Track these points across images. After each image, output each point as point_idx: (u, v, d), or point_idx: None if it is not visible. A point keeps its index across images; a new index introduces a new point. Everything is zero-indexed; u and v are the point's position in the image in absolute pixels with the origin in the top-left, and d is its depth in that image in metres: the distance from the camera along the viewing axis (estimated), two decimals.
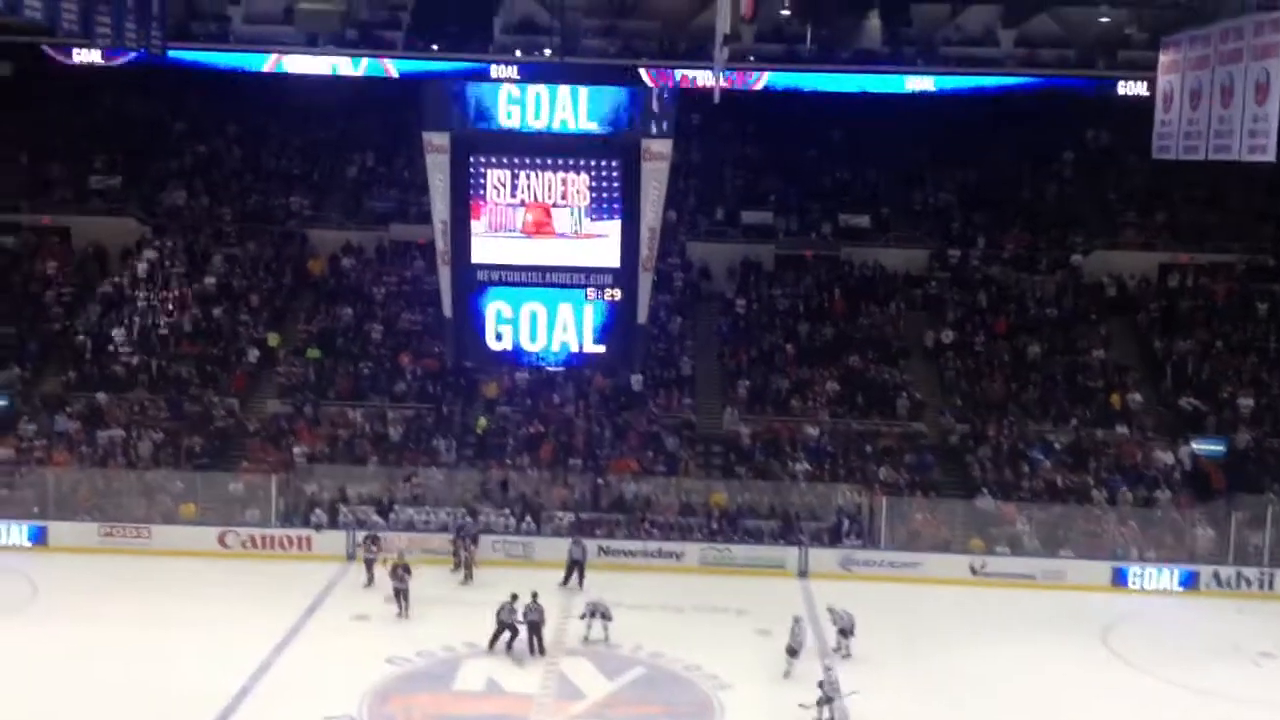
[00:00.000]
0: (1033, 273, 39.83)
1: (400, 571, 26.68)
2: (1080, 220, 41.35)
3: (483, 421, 34.40)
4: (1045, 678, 24.44)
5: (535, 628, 24.69)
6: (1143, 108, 29.03)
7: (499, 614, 24.69)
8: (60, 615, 26.09)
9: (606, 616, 25.33)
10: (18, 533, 30.82)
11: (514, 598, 24.85)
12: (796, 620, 24.53)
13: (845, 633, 24.98)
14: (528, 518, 31.46)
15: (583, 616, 25.50)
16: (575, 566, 28.93)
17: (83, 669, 22.93)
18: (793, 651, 23.92)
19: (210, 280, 38.76)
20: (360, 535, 29.87)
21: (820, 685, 21.80)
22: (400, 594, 26.57)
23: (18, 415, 34.22)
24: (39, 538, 30.81)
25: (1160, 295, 39.28)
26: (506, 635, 24.65)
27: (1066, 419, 34.89)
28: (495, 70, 34.63)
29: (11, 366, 35.62)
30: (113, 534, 30.76)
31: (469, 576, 29.17)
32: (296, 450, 33.16)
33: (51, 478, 32.04)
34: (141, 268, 39.20)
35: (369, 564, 28.59)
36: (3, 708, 21.06)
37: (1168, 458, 33.52)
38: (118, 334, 36.84)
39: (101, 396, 34.74)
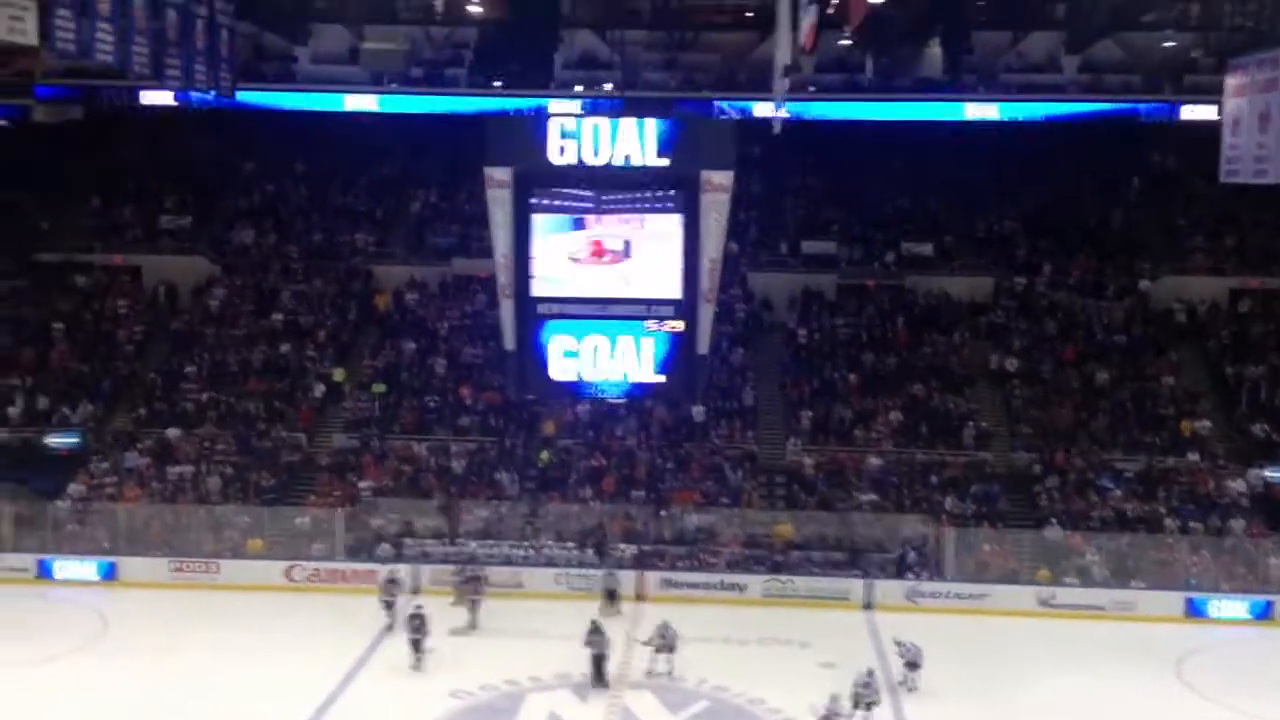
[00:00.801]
0: (1100, 299, 39.32)
1: (417, 622, 25.71)
2: (1148, 246, 40.80)
3: (545, 455, 34.50)
4: (1116, 710, 24.03)
5: (598, 660, 24.64)
6: (1209, 132, 28.63)
7: (587, 645, 24.72)
8: (131, 649, 26.41)
9: (671, 649, 25.22)
10: (89, 568, 31.32)
11: (596, 627, 24.96)
12: (870, 673, 23.37)
13: (913, 665, 24.68)
14: (588, 549, 31.45)
15: (648, 643, 25.37)
16: (610, 595, 29.07)
17: (153, 703, 23.22)
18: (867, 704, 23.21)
19: (278, 317, 39.31)
20: (382, 576, 28.89)
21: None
22: (416, 644, 25.59)
23: (90, 452, 34.87)
24: (110, 573, 31.28)
25: (1230, 321, 38.61)
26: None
27: (1136, 447, 34.35)
28: (556, 105, 34.94)
29: (84, 404, 36.31)
30: (182, 569, 31.16)
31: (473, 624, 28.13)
32: (362, 485, 33.46)
33: (122, 513, 32.55)
34: (212, 305, 39.88)
35: (388, 606, 27.69)
36: None
37: (1239, 485, 32.87)
38: (188, 371, 37.46)
39: (172, 432, 35.30)
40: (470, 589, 27.27)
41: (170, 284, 40.75)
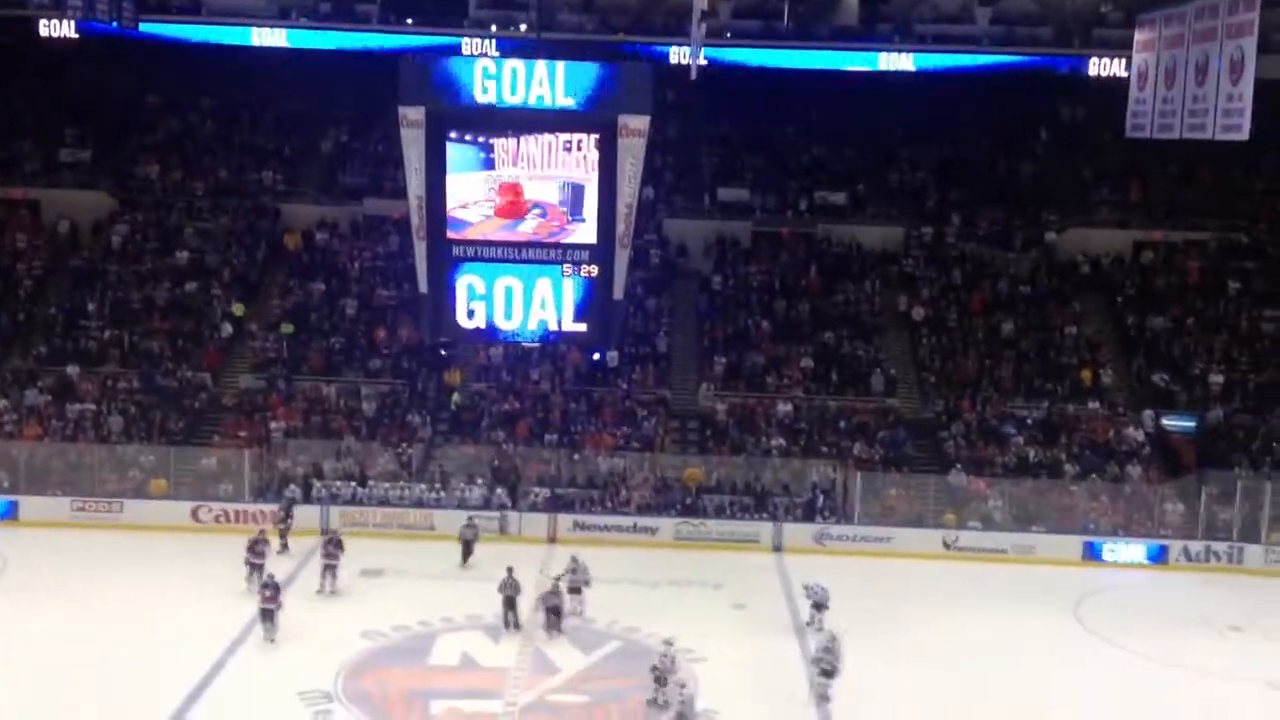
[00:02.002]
0: (1007, 250, 39.99)
1: (331, 547, 26.48)
2: (1055, 198, 41.49)
3: (456, 397, 34.37)
4: (1016, 650, 24.68)
5: (510, 602, 24.74)
6: (1117, 86, 29.10)
7: (501, 589, 24.78)
8: (30, 590, 25.88)
9: (580, 589, 25.41)
10: None
11: (509, 571, 24.91)
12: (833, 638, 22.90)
13: (819, 606, 25.13)
14: (499, 490, 31.48)
15: (559, 577, 25.50)
16: (467, 547, 28.58)
17: (54, 644, 22.82)
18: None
19: (182, 254, 38.49)
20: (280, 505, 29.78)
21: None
22: (329, 569, 26.30)
23: None
24: (9, 512, 30.66)
25: (1134, 272, 39.51)
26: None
27: (1039, 395, 35.14)
28: (469, 45, 34.42)
29: None
30: (85, 509, 30.66)
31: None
32: (273, 426, 33.07)
33: (22, 452, 31.84)
34: (114, 241, 38.92)
35: (283, 534, 28.72)
36: None
37: (1138, 434, 33.81)
38: (90, 308, 36.60)
39: (72, 370, 34.52)
40: (328, 552, 27.03)
41: (71, 219, 39.67)
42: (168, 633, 23.48)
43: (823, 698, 21.38)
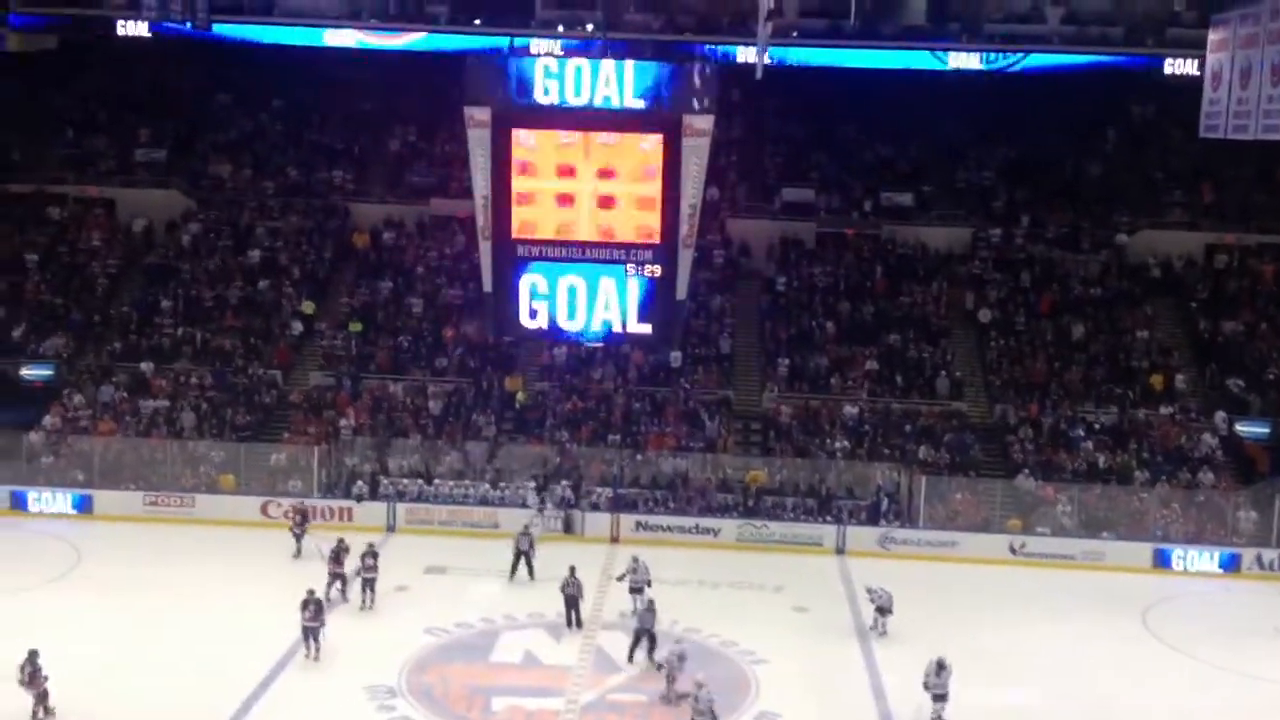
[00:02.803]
0: (1077, 252, 39.45)
1: (370, 559, 25.65)
2: (1125, 199, 40.89)
3: (521, 395, 34.57)
4: (1083, 658, 24.36)
5: (573, 601, 24.84)
6: (1188, 85, 28.65)
7: (563, 588, 24.87)
8: (105, 582, 26.44)
9: (642, 589, 25.44)
10: (63, 500, 31.31)
11: (571, 570, 24.98)
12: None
13: (883, 610, 24.98)
14: (562, 489, 31.56)
15: (620, 578, 25.68)
16: (521, 556, 27.65)
17: (125, 637, 23.30)
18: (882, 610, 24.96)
19: (254, 253, 39.05)
20: (288, 506, 29.65)
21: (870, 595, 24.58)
22: (368, 584, 25.59)
23: (63, 385, 34.71)
24: (84, 506, 31.27)
25: (1206, 275, 38.84)
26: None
27: (1109, 400, 34.65)
28: (536, 45, 34.59)
29: (57, 337, 36.08)
30: (157, 503, 31.21)
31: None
32: (341, 423, 33.47)
33: (97, 447, 32.48)
34: (186, 240, 39.58)
35: (297, 538, 28.37)
36: (51, 675, 21.33)
37: (1211, 440, 33.23)
38: (163, 305, 37.26)
39: (146, 367, 35.16)
40: (366, 565, 27.09)
41: (145, 217, 40.37)
42: (237, 626, 23.85)
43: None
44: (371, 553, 25.77)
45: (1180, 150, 40.52)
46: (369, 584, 25.56)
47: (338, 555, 25.81)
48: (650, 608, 23.74)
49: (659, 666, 22.30)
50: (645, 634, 23.52)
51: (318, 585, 24.37)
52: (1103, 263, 39.06)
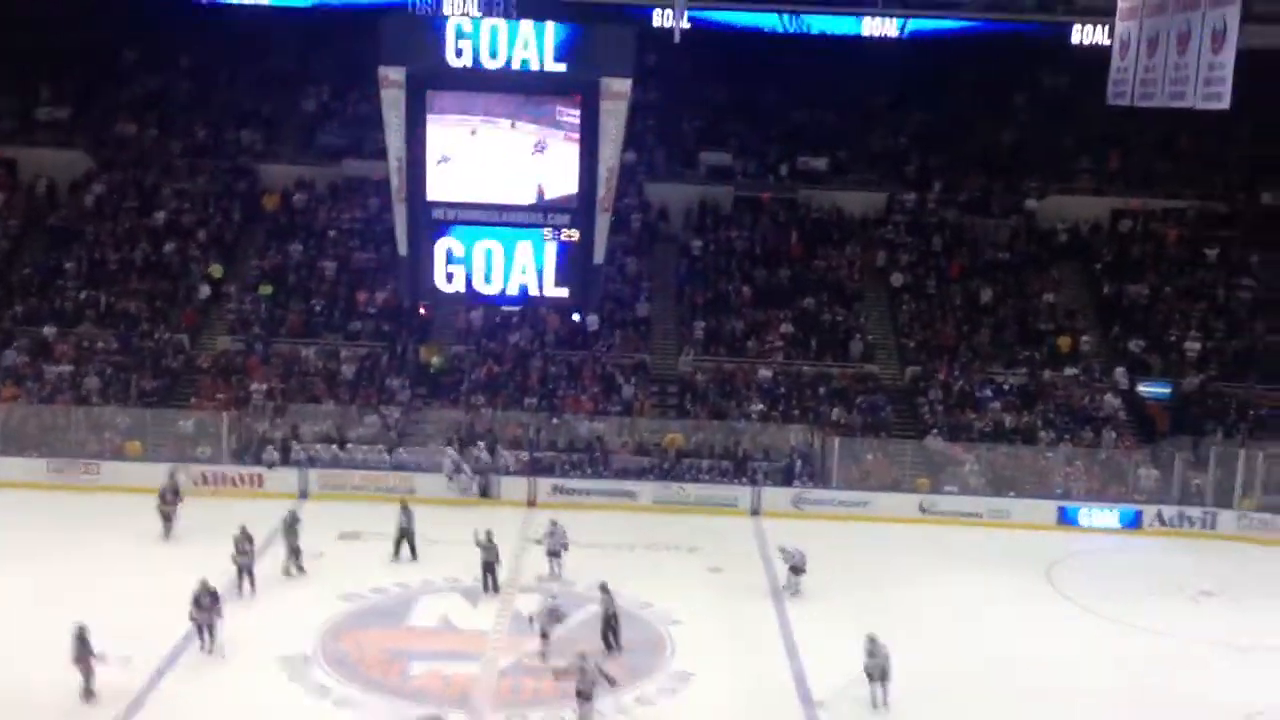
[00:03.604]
0: (987, 216, 40.09)
1: (245, 544, 24.43)
2: (1035, 165, 41.56)
3: (436, 360, 34.34)
4: (990, 614, 24.94)
5: (489, 566, 24.83)
6: (1099, 53, 29.06)
7: (480, 552, 24.78)
8: (5, 552, 25.80)
9: (559, 552, 25.58)
10: None
11: (488, 535, 24.89)
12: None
13: (796, 570, 25.31)
14: (473, 451, 31.51)
15: (539, 541, 25.92)
16: (404, 535, 26.68)
17: (32, 607, 22.80)
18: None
19: (160, 215, 38.23)
20: (165, 483, 27.86)
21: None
22: (245, 571, 24.31)
23: None
24: None
25: (1111, 240, 39.67)
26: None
27: (1017, 362, 35.34)
28: (451, 4, 34.13)
29: None
30: (62, 470, 30.57)
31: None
32: (253, 388, 33.00)
33: None
34: (90, 201, 38.63)
35: (166, 516, 27.15)
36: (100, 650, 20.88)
37: (1114, 400, 34.06)
38: (67, 267, 36.37)
39: (49, 331, 34.34)
40: (167, 501, 26.56)
41: (48, 178, 39.31)
42: (145, 596, 23.43)
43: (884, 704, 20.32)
44: (246, 536, 24.33)
45: (1089, 117, 41.19)
46: (246, 570, 24.04)
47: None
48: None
49: (530, 621, 22.34)
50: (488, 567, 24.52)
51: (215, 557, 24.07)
52: (1012, 227, 39.74)
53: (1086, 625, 24.88)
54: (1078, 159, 41.73)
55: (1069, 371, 35.08)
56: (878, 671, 20.15)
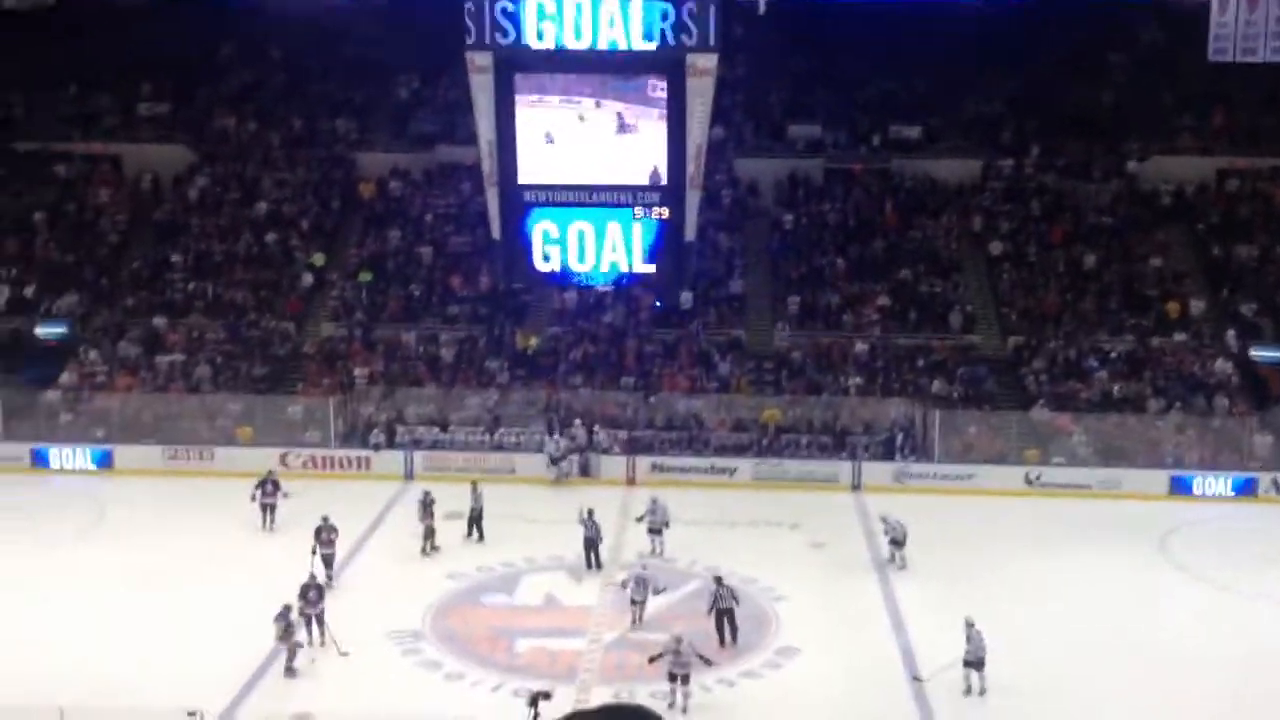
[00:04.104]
0: (1088, 181, 39.20)
1: (269, 486, 26.75)
2: (1135, 126, 40.53)
3: (532, 341, 34.60)
4: (1101, 585, 24.51)
5: (591, 543, 25.00)
6: (1197, 9, 28.29)
7: (582, 530, 25.00)
8: (128, 536, 26.68)
9: (660, 530, 25.65)
10: (83, 456, 31.53)
11: (590, 513, 25.08)
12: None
13: (896, 543, 25.11)
14: (577, 432, 31.67)
15: (640, 519, 25.98)
16: (475, 516, 26.71)
17: (151, 590, 23.49)
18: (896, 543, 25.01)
19: (261, 206, 39.01)
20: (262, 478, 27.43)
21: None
22: (267, 509, 26.62)
23: (79, 342, 34.86)
24: (105, 461, 31.50)
25: (1218, 201, 38.58)
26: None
27: (1123, 329, 34.60)
28: None
29: (70, 294, 36.18)
30: (177, 456, 31.40)
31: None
32: (356, 373, 33.60)
33: (115, 403, 32.67)
34: (194, 194, 39.54)
35: (267, 509, 26.99)
36: (73, 627, 21.65)
37: (1225, 365, 33.19)
38: (174, 260, 37.31)
39: (159, 322, 35.27)
40: (265, 492, 26.98)
41: (152, 172, 40.31)
42: (261, 576, 23.98)
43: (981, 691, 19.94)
44: (329, 527, 24.27)
45: (1190, 75, 40.06)
46: (327, 562, 23.94)
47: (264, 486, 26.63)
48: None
49: (623, 586, 22.67)
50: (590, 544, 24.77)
51: (344, 534, 24.71)
52: (1114, 191, 38.82)
53: (1202, 595, 24.40)
54: (1179, 118, 40.61)
55: (1178, 337, 34.25)
56: (974, 659, 19.80)
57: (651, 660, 19.52)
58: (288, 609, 20.36)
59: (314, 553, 23.69)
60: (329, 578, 23.43)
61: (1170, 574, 25.61)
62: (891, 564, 25.16)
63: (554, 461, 30.57)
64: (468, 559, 25.41)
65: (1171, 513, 29.24)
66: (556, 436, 31.01)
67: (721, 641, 21.32)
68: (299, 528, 25.85)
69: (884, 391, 33.02)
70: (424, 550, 25.69)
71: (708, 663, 19.57)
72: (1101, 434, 31.57)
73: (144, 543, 26.10)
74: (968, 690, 19.80)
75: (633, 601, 22.28)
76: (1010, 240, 37.45)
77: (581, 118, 23.50)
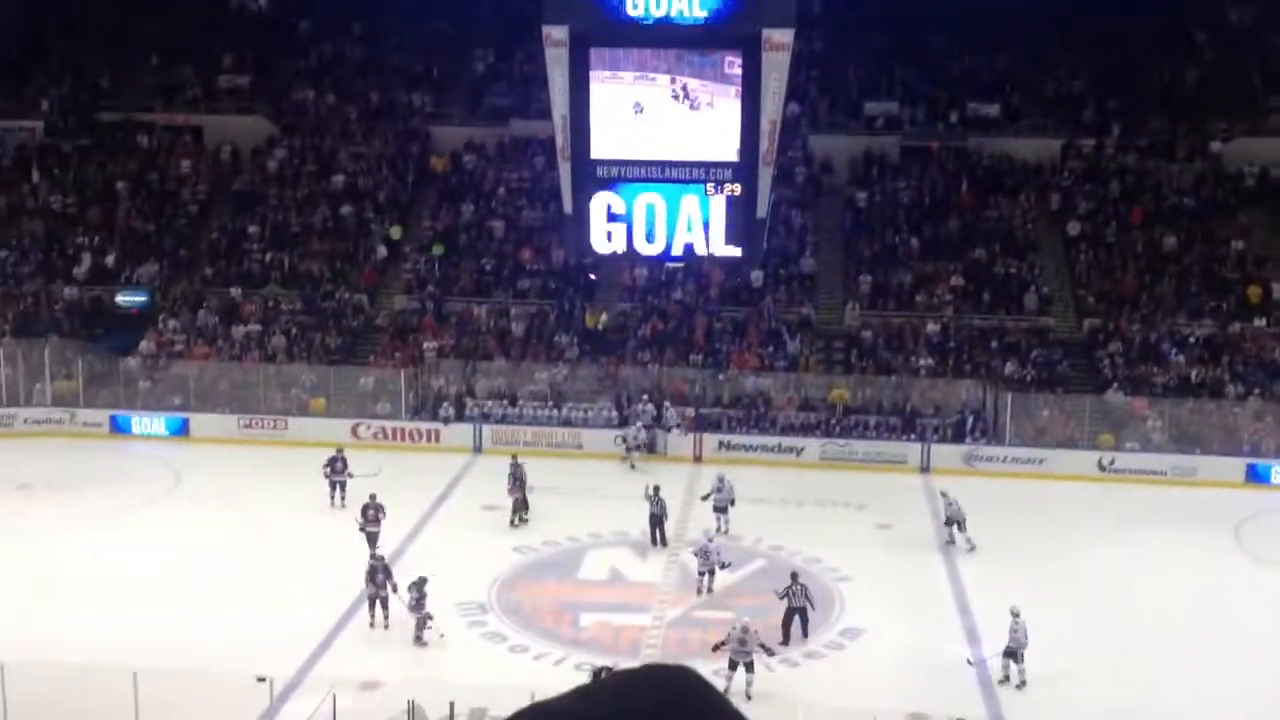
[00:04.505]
0: (1170, 161, 38.40)
1: (339, 464, 26.74)
2: (1221, 105, 39.60)
3: (602, 318, 34.68)
4: (1175, 574, 24.11)
5: (657, 520, 25.07)
6: None
7: (649, 506, 25.07)
8: (202, 503, 27.17)
9: (726, 508, 25.65)
10: (160, 424, 32.18)
11: (656, 490, 25.14)
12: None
13: (953, 523, 24.89)
14: (644, 409, 31.72)
15: (705, 497, 26.00)
16: (655, 522, 25.52)
17: (224, 556, 23.96)
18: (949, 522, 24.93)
19: (338, 178, 39.41)
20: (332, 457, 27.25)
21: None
22: (336, 485, 26.64)
23: (157, 311, 35.53)
24: (181, 429, 32.13)
25: None
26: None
27: (1203, 313, 33.91)
28: None
29: (150, 263, 36.87)
30: (251, 425, 31.94)
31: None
32: (426, 346, 33.91)
33: (192, 371, 33.28)
34: (272, 166, 40.05)
35: (336, 485, 26.88)
36: (146, 591, 22.12)
37: None
38: (251, 231, 37.85)
39: (236, 292, 35.82)
40: (335, 469, 27.10)
41: (232, 144, 40.88)
42: (329, 544, 24.35)
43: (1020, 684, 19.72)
44: (376, 505, 24.21)
45: (1278, 55, 39.09)
46: (372, 540, 23.59)
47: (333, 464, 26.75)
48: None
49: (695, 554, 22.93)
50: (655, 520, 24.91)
51: (413, 506, 25.03)
52: (1196, 172, 37.99)
53: (1276, 584, 23.87)
54: (1267, 98, 39.60)
55: (1258, 322, 33.50)
56: (1014, 649, 19.53)
57: (715, 649, 19.30)
58: (423, 580, 20.50)
59: (361, 530, 23.64)
60: (373, 556, 22.72)
61: (1244, 563, 25.15)
62: (952, 545, 24.92)
63: (631, 449, 30.50)
64: (533, 534, 25.59)
65: (1247, 501, 28.68)
66: (639, 425, 30.92)
67: (786, 639, 20.78)
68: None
69: (955, 373, 32.69)
70: (513, 522, 25.93)
71: (769, 653, 19.46)
72: (1177, 419, 31.03)
73: (218, 509, 26.55)
74: (1004, 680, 19.60)
75: (699, 574, 22.44)
76: (1089, 221, 36.83)
77: (656, 94, 23.43)
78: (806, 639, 21.02)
